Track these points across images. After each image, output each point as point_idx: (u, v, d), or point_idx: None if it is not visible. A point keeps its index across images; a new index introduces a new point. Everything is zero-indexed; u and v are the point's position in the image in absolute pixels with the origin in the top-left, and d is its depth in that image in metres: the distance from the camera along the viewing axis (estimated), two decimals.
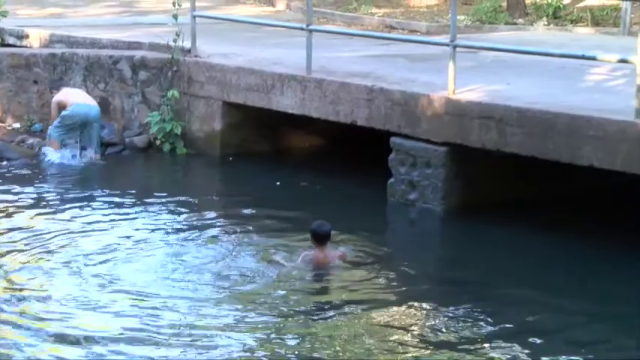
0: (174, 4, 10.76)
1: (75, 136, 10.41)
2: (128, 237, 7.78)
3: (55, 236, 7.70)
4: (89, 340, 5.64)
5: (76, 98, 10.47)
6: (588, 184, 8.82)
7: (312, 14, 10.46)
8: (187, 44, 10.96)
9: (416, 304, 6.33)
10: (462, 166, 8.65)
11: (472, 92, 8.76)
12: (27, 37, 12.59)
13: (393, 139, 8.97)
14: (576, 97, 8.44)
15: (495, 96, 8.59)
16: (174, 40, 10.84)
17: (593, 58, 8.22)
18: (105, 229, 8.00)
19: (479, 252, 7.66)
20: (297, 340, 5.74)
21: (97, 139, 10.46)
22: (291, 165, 10.38)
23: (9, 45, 12.45)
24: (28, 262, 7.08)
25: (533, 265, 7.29)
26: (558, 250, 7.62)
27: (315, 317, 6.08)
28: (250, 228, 8.00)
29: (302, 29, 10.05)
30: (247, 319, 6.01)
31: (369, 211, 8.77)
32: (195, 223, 8.25)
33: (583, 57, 8.30)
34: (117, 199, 8.97)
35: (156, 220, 8.36)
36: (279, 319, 6.03)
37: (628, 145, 7.43)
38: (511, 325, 5.99)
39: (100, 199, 9.01)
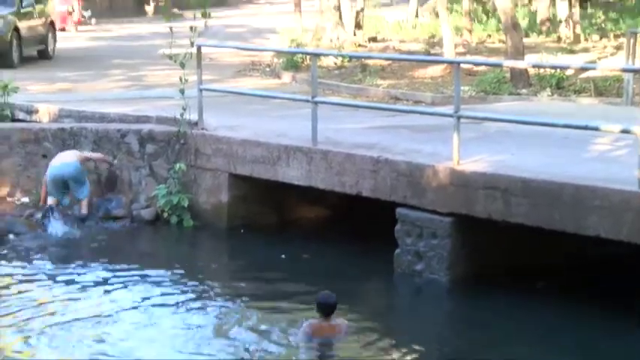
0: (181, 78, 10.94)
1: (62, 195, 10.59)
2: (133, 308, 7.80)
3: (58, 307, 7.73)
4: None
5: (54, 160, 10.74)
6: (595, 253, 8.83)
7: (318, 86, 10.62)
8: (194, 117, 11.10)
9: None
10: (468, 236, 8.68)
11: (477, 163, 8.83)
12: (36, 112, 12.78)
13: (399, 210, 9.02)
14: (580, 167, 8.50)
15: (500, 166, 8.66)
16: (181, 114, 10.99)
17: (597, 129, 8.30)
18: (109, 300, 8.03)
19: (485, 322, 7.64)
20: None
21: (76, 195, 10.64)
22: (297, 237, 10.42)
23: (19, 120, 12.62)
24: (29, 330, 7.10)
25: (540, 334, 7.27)
26: (566, 318, 7.60)
27: None
28: (254, 301, 8.01)
29: (307, 101, 10.18)
30: None
31: (376, 282, 8.78)
32: (199, 295, 8.26)
33: (586, 127, 8.38)
34: (122, 272, 9.00)
35: (160, 292, 8.38)
36: None
37: (632, 215, 7.47)
38: None
39: (105, 271, 9.05)
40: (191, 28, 10.72)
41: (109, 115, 12.26)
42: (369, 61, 18.74)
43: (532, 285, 8.33)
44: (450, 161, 8.79)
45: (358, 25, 25.37)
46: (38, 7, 21.39)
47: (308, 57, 18.12)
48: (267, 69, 20.46)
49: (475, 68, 17.40)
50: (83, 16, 31.87)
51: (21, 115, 12.81)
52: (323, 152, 9.76)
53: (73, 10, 30.46)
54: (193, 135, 10.99)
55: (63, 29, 29.39)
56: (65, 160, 10.71)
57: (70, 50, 24.33)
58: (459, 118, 8.78)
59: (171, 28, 10.57)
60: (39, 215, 10.74)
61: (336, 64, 19.49)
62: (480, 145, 9.67)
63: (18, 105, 12.93)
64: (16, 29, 19.80)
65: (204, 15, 10.40)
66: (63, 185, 10.66)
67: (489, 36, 25.10)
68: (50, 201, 10.63)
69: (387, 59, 19.16)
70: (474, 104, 14.27)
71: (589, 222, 7.71)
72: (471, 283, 8.46)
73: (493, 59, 17.74)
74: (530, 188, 8.11)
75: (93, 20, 33.19)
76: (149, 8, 39.53)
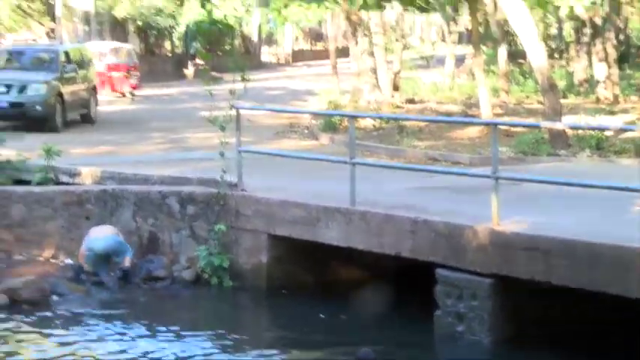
0: (221, 141, 11.08)
1: (104, 267, 10.71)
2: None
3: None
4: None
5: (92, 233, 10.88)
6: (638, 313, 8.72)
7: (355, 148, 10.70)
8: (234, 179, 11.23)
9: None
10: (509, 297, 8.63)
11: (516, 224, 8.81)
12: (79, 174, 13.00)
13: (439, 271, 9.00)
14: (621, 229, 8.44)
15: (540, 227, 8.63)
16: (221, 176, 11.13)
17: (638, 190, 8.28)
18: None
19: None
20: None
21: (119, 260, 10.76)
22: (336, 297, 10.41)
23: (62, 183, 12.84)
24: None
25: None
26: None
27: None
28: None
29: (345, 162, 10.26)
30: None
31: (416, 343, 8.73)
32: (239, 355, 8.26)
33: (627, 189, 8.35)
34: (163, 333, 9.06)
35: (201, 352, 8.40)
36: None
37: None
38: None
39: (147, 331, 9.11)
40: (230, 91, 10.92)
41: (151, 177, 12.43)
42: (407, 123, 18.86)
43: (576, 347, 8.23)
44: (490, 222, 8.79)
45: (395, 87, 25.61)
46: (81, 72, 21.88)
47: (346, 118, 18.30)
48: (306, 131, 20.66)
49: (513, 129, 17.40)
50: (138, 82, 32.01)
51: (64, 178, 13.03)
52: (361, 213, 9.80)
53: (130, 76, 30.54)
54: (233, 196, 11.10)
55: (123, 94, 29.91)
56: (100, 235, 10.85)
57: (112, 114, 24.79)
58: (497, 179, 8.80)
59: (210, 92, 10.77)
60: (81, 276, 10.86)
61: (374, 125, 19.63)
62: (519, 205, 9.65)
63: (61, 168, 13.16)
64: (60, 94, 20.25)
65: (244, 79, 10.59)
66: (104, 258, 10.81)
67: (527, 97, 25.17)
68: (86, 266, 10.78)
69: (424, 121, 19.26)
70: (512, 165, 14.26)
71: (632, 284, 7.65)
72: (512, 345, 8.39)
73: (531, 120, 17.77)
74: (571, 249, 8.07)
75: None
76: (188, 72, 40.26)
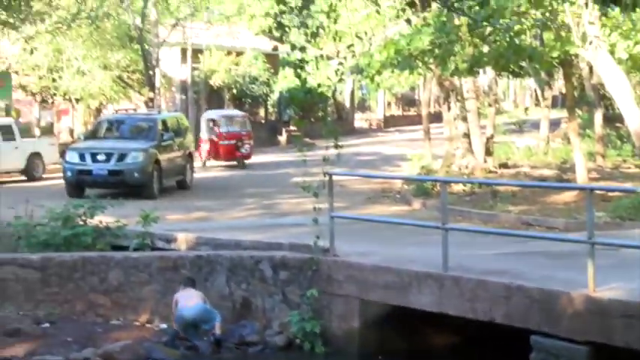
0: (314, 207, 11.18)
1: (194, 334, 10.85)
2: None
3: None
4: None
5: (181, 302, 11.01)
6: None
7: (448, 212, 10.66)
8: (326, 244, 11.29)
9: None
10: None
11: (614, 290, 8.62)
12: (175, 240, 13.25)
13: (534, 338, 8.85)
14: None
15: (637, 294, 8.43)
16: (314, 241, 11.20)
17: None
18: None
19: None
20: None
21: (208, 328, 10.84)
22: None
23: (158, 249, 13.09)
24: None
25: None
26: None
27: None
28: None
29: (438, 228, 10.22)
30: None
31: None
32: None
33: None
34: None
35: None
36: None
37: None
38: None
39: None
40: (324, 158, 11.07)
41: (244, 243, 12.58)
42: (500, 187, 18.71)
43: None
44: (586, 288, 8.63)
45: (488, 152, 25.46)
46: (178, 140, 22.43)
47: (438, 184, 18.25)
48: (398, 196, 20.68)
49: (610, 194, 17.08)
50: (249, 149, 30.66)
51: (160, 244, 13.29)
52: (454, 278, 9.73)
53: (242, 145, 29.75)
54: (325, 261, 11.15)
55: (239, 162, 29.41)
56: (189, 305, 11.01)
57: (207, 180, 25.27)
58: (593, 244, 8.65)
59: (304, 159, 10.92)
60: (176, 341, 11.00)
61: (465, 190, 19.53)
62: (616, 272, 9.44)
63: (158, 234, 13.43)
64: (157, 161, 20.77)
65: (337, 145, 10.73)
66: (194, 326, 10.96)
67: (624, 161, 24.69)
68: (180, 332, 10.94)
69: (518, 185, 19.08)
70: (609, 230, 13.97)
71: None
72: None
73: (628, 185, 17.40)
74: None
75: None
76: (282, 138, 40.90)
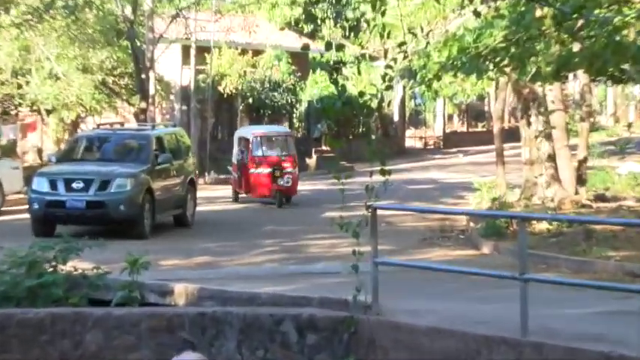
0: (353, 252, 11.08)
1: None
2: None
3: None
4: None
5: None
6: None
7: (528, 258, 10.57)
8: (368, 299, 11.22)
9: None
10: None
11: None
12: (171, 293, 13.23)
13: None
14: None
15: None
16: (354, 295, 11.12)
17: None
18: None
19: None
20: None
21: None
22: None
23: (149, 304, 13.07)
24: None
25: None
26: None
27: None
28: None
29: (514, 278, 10.14)
30: None
31: None
32: None
33: None
34: None
35: None
36: None
37: None
38: None
39: None
40: (367, 188, 10.97)
41: (260, 297, 12.53)
42: (596, 226, 18.56)
43: None
44: None
45: (580, 180, 25.29)
46: (176, 162, 22.49)
47: (515, 221, 18.11)
48: (462, 236, 20.59)
49: None
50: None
51: (152, 298, 13.26)
52: (535, 345, 9.63)
53: (282, 174, 27.50)
54: (367, 321, 11.08)
55: (277, 199, 27.20)
56: None
57: (213, 214, 25.33)
58: None
59: (342, 189, 10.84)
60: None
61: (550, 229, 19.40)
62: None
63: (149, 285, 13.40)
64: (150, 191, 20.84)
65: (384, 172, 10.61)
66: None
67: None
68: None
69: (620, 224, 18.91)
70: None
71: None
72: None
73: None
74: None
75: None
76: (310, 160, 40.91)
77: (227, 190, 31.29)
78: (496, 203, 23.56)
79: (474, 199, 25.96)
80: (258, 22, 40.24)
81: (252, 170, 27.89)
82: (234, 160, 29.43)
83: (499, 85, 29.85)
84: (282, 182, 27.41)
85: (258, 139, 28.63)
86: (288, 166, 27.80)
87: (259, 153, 28.20)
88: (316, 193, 29.57)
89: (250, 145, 28.32)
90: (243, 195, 28.65)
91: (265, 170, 27.63)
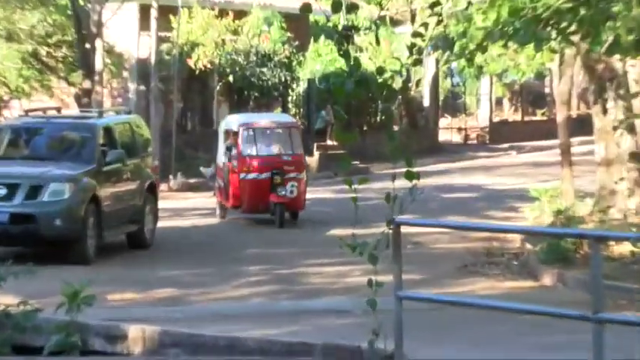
0: (369, 282, 11.01)
1: None
2: None
3: None
4: None
5: None
6: None
7: (604, 292, 10.53)
8: (389, 345, 11.19)
9: None
10: None
11: None
12: (123, 338, 13.16)
13: None
14: None
15: None
16: (371, 341, 11.08)
17: None
18: None
19: None
20: None
21: None
22: None
23: (95, 352, 13.05)
24: None
25: None
26: None
27: None
28: None
29: (585, 319, 10.12)
30: None
31: None
32: None
33: None
34: None
35: None
36: None
37: None
38: None
39: None
40: (387, 196, 10.87)
41: (243, 343, 12.50)
42: None
43: None
44: None
45: None
46: (132, 162, 22.42)
47: (585, 242, 18.06)
48: (514, 262, 20.56)
49: None
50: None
51: (98, 344, 13.21)
52: None
53: (282, 182, 26.39)
54: None
55: (277, 216, 25.98)
56: None
57: (180, 231, 25.29)
58: None
59: (355, 198, 10.74)
60: None
61: (633, 253, 19.37)
62: None
63: (94, 326, 13.36)
64: (95, 199, 20.78)
65: (411, 177, 10.54)
66: None
67: None
68: None
69: None
70: None
71: None
72: None
73: None
74: None
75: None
76: (312, 159, 40.82)
77: (198, 199, 31.24)
78: (561, 218, 23.53)
79: (532, 211, 25.90)
80: None
81: (242, 176, 26.57)
82: (219, 161, 28.60)
83: (564, 60, 29.78)
84: (283, 192, 26.26)
85: (250, 132, 27.48)
86: (292, 169, 26.68)
87: (252, 151, 27.03)
88: (319, 203, 29.53)
89: (239, 141, 27.13)
90: (232, 209, 27.41)
91: (260, 176, 26.45)
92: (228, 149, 27.50)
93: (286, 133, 27.90)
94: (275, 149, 27.46)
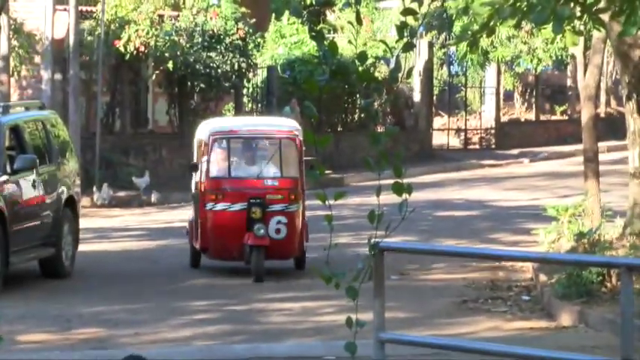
0: (347, 321, 11.13)
1: None
2: None
3: None
4: None
5: None
6: None
7: (634, 334, 10.67)
8: None
9: None
10: None
11: None
12: None
13: None
14: None
15: None
16: None
17: None
18: None
19: None
20: None
21: None
22: None
23: None
24: None
25: None
26: None
27: None
28: None
29: None
30: None
31: None
32: None
33: None
34: None
35: None
36: None
37: None
38: None
39: None
40: (371, 215, 11.01)
41: None
42: None
43: None
44: None
45: None
46: (45, 170, 22.46)
47: (614, 272, 18.23)
48: (525, 297, 20.66)
49: None
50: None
51: None
52: None
53: (262, 217, 23.38)
54: None
55: (253, 266, 22.72)
56: None
57: (106, 257, 25.33)
58: None
59: (329, 218, 10.84)
60: None
61: None
62: None
63: None
64: None
65: (400, 190, 10.68)
66: None
67: None
68: None
69: None
70: None
71: None
72: None
73: None
74: None
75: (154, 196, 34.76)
76: None
77: (129, 217, 31.25)
78: (584, 242, 23.67)
79: (547, 234, 26.04)
80: None
81: (208, 206, 24.10)
82: (193, 186, 25.81)
83: (591, 45, 29.99)
84: (262, 232, 23.28)
85: (223, 144, 24.87)
86: (277, 199, 23.95)
87: (221, 172, 24.64)
88: None
89: (208, 157, 24.64)
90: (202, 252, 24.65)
91: (232, 207, 23.88)
92: (192, 169, 25.70)
93: (273, 145, 25.23)
94: (255, 169, 24.77)
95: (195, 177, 25.19)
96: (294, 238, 23.47)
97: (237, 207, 23.65)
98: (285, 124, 26.72)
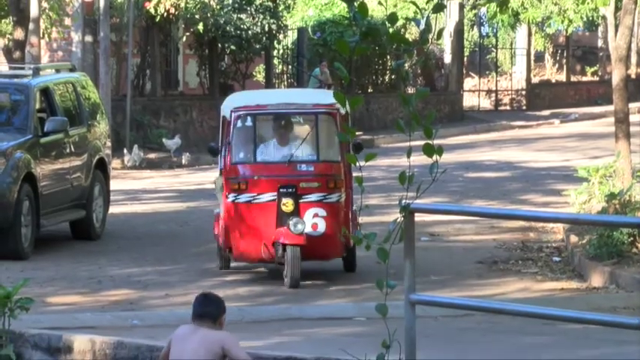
0: (379, 283, 11.08)
1: None
2: None
3: None
4: None
5: None
6: None
7: None
8: None
9: None
10: None
11: None
12: (67, 350, 13.24)
13: None
14: None
15: None
16: (380, 356, 11.17)
17: None
18: None
19: None
20: None
21: None
22: None
23: None
24: None
25: None
26: None
27: None
28: None
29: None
30: None
31: None
32: None
33: None
34: None
35: None
36: None
37: None
38: None
39: None
40: (401, 176, 10.99)
41: None
42: None
43: None
44: None
45: None
46: (76, 132, 22.40)
47: None
48: (556, 258, 20.61)
49: None
50: None
51: (36, 356, 13.29)
52: None
53: (295, 210, 19.61)
54: None
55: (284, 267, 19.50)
56: None
57: (137, 219, 25.32)
58: None
59: (360, 180, 10.80)
60: None
61: None
62: None
63: (31, 336, 13.44)
64: (30, 179, 20.77)
65: (430, 152, 10.61)
66: None
67: None
68: None
69: None
70: None
71: None
72: None
73: None
74: None
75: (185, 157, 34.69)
76: None
77: (159, 179, 31.23)
78: (615, 203, 23.61)
79: (578, 195, 25.99)
80: None
81: (230, 197, 20.44)
82: (218, 173, 21.86)
83: (622, 5, 29.88)
84: (299, 227, 19.72)
85: (248, 122, 21.36)
86: (314, 187, 20.38)
87: (245, 156, 20.97)
88: None
89: (230, 138, 20.93)
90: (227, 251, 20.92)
91: (259, 198, 20.33)
92: (211, 152, 22.63)
93: (310, 123, 21.62)
94: (286, 152, 20.85)
95: (220, 162, 21.22)
96: (336, 235, 19.59)
97: (265, 198, 20.04)
98: (322, 97, 22.45)
